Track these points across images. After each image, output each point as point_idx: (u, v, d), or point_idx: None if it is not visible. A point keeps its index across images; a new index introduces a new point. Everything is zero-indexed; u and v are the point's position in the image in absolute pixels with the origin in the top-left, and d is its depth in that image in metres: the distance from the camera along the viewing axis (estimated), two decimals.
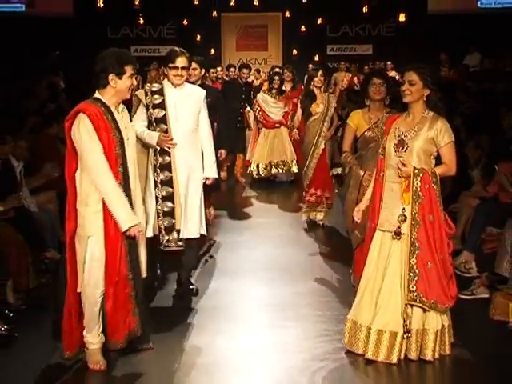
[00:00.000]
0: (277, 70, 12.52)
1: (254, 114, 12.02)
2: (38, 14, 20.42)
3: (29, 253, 6.43)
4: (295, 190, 11.51)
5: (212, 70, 14.13)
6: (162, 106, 5.99)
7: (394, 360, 4.98)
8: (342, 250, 7.56)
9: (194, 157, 6.15)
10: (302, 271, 7.27)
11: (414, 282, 4.93)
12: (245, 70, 12.31)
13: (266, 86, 12.64)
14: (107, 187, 4.71)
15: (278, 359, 5.11)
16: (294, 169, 11.84)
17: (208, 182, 6.25)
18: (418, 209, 4.94)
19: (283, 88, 12.09)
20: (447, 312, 5.10)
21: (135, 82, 4.96)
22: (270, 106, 11.76)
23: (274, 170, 12.01)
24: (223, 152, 7.50)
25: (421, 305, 4.96)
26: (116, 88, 4.81)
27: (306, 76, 17.84)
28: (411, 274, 4.94)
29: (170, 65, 6.02)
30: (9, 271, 5.95)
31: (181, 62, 6.01)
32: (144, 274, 5.15)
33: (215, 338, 5.49)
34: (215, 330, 5.65)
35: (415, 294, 4.93)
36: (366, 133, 6.38)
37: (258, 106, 11.79)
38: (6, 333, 5.39)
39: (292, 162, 11.89)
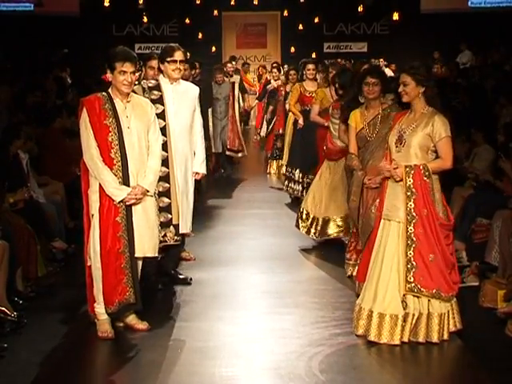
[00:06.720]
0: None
1: None
2: (45, 14, 20.53)
3: (37, 242, 6.57)
4: None
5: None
6: (160, 101, 6.00)
7: (397, 341, 5.11)
8: (338, 240, 7.65)
9: (189, 152, 6.26)
10: (300, 260, 7.37)
11: (412, 273, 5.08)
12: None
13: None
14: (95, 168, 5.15)
15: (277, 344, 5.20)
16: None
17: (197, 177, 6.38)
18: (413, 204, 5.09)
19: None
20: (452, 301, 5.22)
21: (129, 79, 5.17)
22: (332, 122, 7.57)
23: (329, 231, 7.62)
24: None
25: (420, 294, 5.10)
26: (112, 82, 5.25)
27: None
28: (408, 266, 5.09)
29: (169, 59, 6.04)
30: (18, 260, 6.05)
31: (179, 55, 6.06)
32: (153, 253, 5.44)
33: (216, 324, 5.58)
34: (216, 316, 5.75)
35: (413, 284, 5.08)
36: (361, 131, 6.17)
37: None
38: (16, 319, 5.50)
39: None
